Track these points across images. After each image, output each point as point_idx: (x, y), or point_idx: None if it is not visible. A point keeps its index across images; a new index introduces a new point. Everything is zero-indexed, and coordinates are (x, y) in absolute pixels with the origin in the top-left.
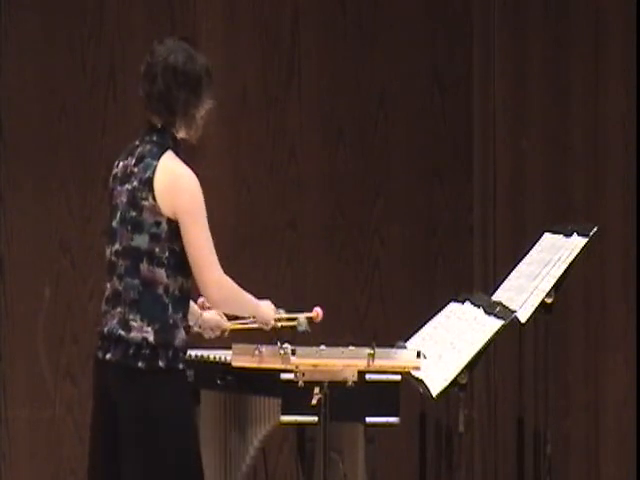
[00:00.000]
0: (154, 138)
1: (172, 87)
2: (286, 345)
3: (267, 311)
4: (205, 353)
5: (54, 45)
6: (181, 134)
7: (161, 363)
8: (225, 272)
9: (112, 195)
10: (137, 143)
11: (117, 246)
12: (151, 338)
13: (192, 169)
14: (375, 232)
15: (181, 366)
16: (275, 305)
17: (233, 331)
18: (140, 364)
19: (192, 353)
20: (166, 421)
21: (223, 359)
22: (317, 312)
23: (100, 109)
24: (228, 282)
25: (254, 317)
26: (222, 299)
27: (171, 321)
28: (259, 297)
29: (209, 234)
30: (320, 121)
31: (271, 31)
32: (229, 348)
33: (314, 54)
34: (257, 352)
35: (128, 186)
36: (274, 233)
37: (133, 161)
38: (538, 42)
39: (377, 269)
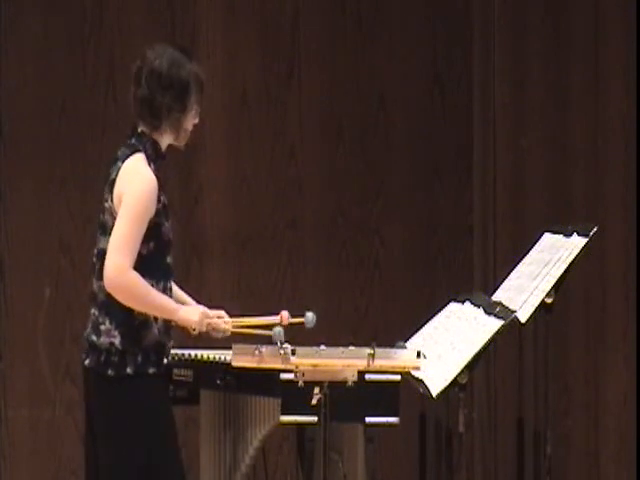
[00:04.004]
0: (132, 141)
1: (156, 91)
2: (286, 345)
3: (187, 316)
4: (205, 353)
5: (54, 45)
6: (167, 139)
7: (129, 369)
8: (225, 272)
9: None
10: (121, 146)
11: (95, 250)
12: (117, 342)
13: (156, 176)
14: (375, 232)
15: (152, 370)
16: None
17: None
18: (109, 371)
19: (192, 353)
20: (135, 426)
21: (223, 359)
22: (282, 316)
23: (100, 109)
24: (130, 272)
25: (175, 322)
26: (118, 285)
27: (137, 323)
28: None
29: (134, 231)
30: (320, 121)
31: (271, 31)
32: (229, 348)
33: (314, 54)
34: (257, 352)
35: (105, 190)
36: (274, 233)
37: (111, 164)
38: (538, 42)
39: (377, 269)
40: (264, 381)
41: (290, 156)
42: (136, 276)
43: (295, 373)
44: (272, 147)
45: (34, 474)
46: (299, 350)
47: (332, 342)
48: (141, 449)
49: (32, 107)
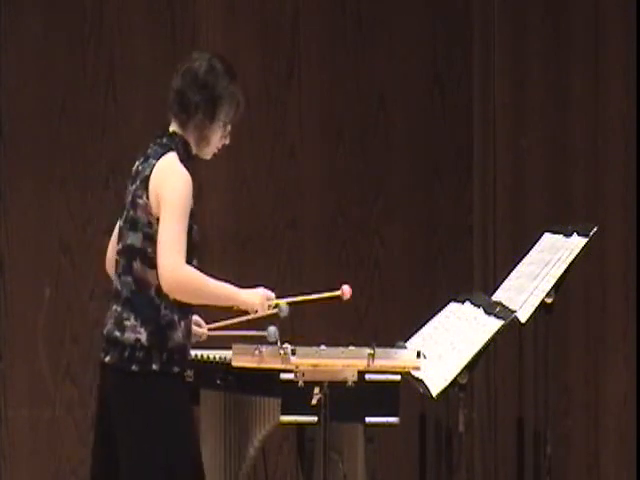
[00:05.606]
0: (164, 141)
1: (188, 88)
2: (286, 345)
3: (250, 298)
4: (205, 353)
5: (54, 45)
6: (193, 142)
7: (154, 366)
8: (225, 272)
9: (124, 195)
10: (151, 144)
11: (120, 245)
12: (144, 339)
13: (191, 175)
14: (375, 232)
15: (176, 369)
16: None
17: (213, 334)
18: (134, 367)
19: (192, 353)
20: (157, 424)
21: (223, 359)
22: (344, 291)
23: (100, 109)
24: (185, 268)
25: (236, 306)
26: (175, 284)
27: (164, 322)
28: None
29: (182, 230)
30: (320, 121)
31: (271, 31)
32: (229, 348)
33: (314, 54)
34: (257, 352)
35: (133, 186)
36: (274, 233)
37: (141, 161)
38: (538, 42)
39: (377, 269)
40: (264, 381)
41: (290, 156)
42: (192, 270)
43: (295, 373)
44: (272, 147)
45: (34, 474)
46: (299, 350)
47: (332, 342)
48: (165, 448)
49: (32, 107)
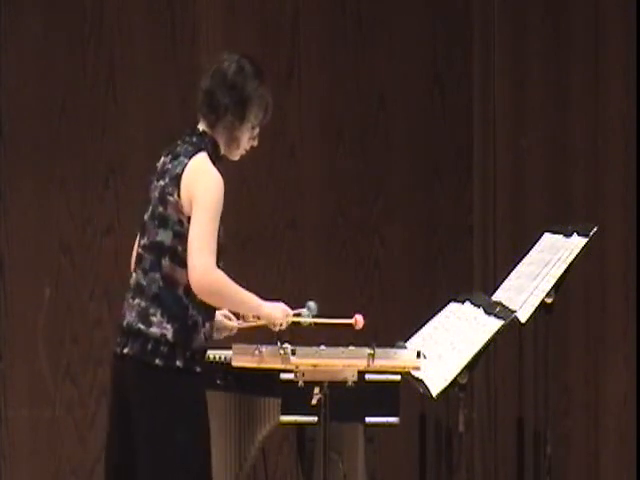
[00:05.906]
0: (193, 139)
1: (217, 88)
2: (286, 345)
3: (272, 311)
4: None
5: (54, 45)
6: (222, 144)
7: (178, 362)
8: (225, 271)
9: (149, 188)
10: (179, 142)
11: (145, 240)
12: (170, 335)
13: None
14: (375, 232)
15: (198, 369)
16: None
17: (241, 330)
18: (157, 361)
19: None
20: (176, 421)
21: (223, 359)
22: (357, 320)
23: (100, 109)
24: (216, 271)
25: (258, 317)
26: (205, 286)
27: (190, 322)
28: (270, 298)
29: (214, 232)
30: (320, 121)
31: (271, 31)
32: (229, 348)
33: (314, 54)
34: (257, 352)
35: (161, 182)
36: (274, 233)
37: (169, 158)
38: (538, 42)
39: (377, 269)
40: (264, 381)
41: (290, 156)
42: (222, 275)
43: (295, 373)
44: (272, 147)
45: (34, 474)
46: (299, 350)
47: (332, 342)
48: (183, 445)
49: (32, 107)
